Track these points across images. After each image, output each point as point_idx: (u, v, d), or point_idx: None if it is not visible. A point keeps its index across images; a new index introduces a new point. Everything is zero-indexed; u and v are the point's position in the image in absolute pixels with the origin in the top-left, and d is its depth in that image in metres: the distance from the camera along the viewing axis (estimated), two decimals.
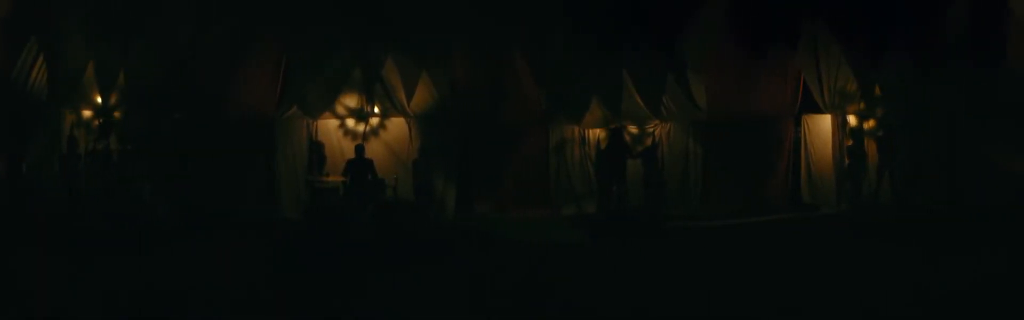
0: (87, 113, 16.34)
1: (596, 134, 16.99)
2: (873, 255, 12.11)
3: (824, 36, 16.56)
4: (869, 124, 16.70)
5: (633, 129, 16.98)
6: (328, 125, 16.61)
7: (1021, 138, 15.90)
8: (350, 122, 16.62)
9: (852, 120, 16.79)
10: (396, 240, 13.39)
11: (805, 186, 17.09)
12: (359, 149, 15.91)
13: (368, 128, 16.58)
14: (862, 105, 16.68)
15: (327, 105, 16.47)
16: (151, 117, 16.21)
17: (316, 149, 16.45)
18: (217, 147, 16.07)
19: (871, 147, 16.60)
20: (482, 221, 15.89)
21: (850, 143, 16.70)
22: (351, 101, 16.57)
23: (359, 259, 11.86)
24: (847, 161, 16.67)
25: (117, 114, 16.25)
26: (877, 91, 16.58)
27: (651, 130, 17.02)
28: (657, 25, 16.62)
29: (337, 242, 13.12)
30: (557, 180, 16.86)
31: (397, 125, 16.61)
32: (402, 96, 16.42)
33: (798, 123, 17.15)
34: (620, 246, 13.36)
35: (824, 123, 16.97)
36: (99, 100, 16.27)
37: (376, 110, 16.59)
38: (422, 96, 16.47)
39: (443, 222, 15.72)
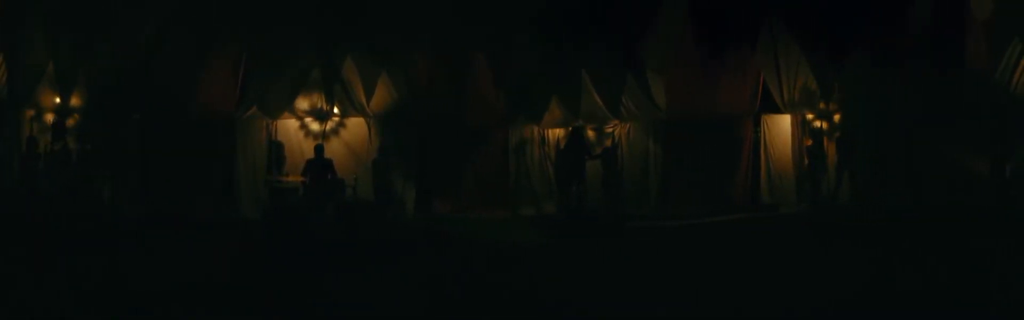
0: (47, 113, 16.34)
1: (556, 134, 17.03)
2: (831, 255, 12.10)
3: (783, 36, 16.50)
4: (828, 124, 16.72)
5: (593, 129, 17.01)
6: (288, 125, 16.67)
7: (980, 138, 15.88)
8: (310, 122, 16.65)
9: (812, 120, 16.80)
10: (356, 240, 13.46)
11: (765, 186, 17.05)
12: (318, 149, 15.94)
13: (327, 128, 16.61)
14: (822, 105, 16.67)
15: (287, 105, 16.49)
16: (111, 117, 16.21)
17: (276, 149, 16.48)
18: (177, 147, 16.08)
19: (830, 147, 16.61)
20: (441, 221, 15.92)
21: (809, 143, 16.69)
22: (311, 101, 16.59)
23: (318, 259, 11.88)
24: (806, 161, 16.68)
25: (77, 114, 16.28)
26: (836, 91, 16.55)
27: (611, 130, 17.05)
28: (617, 25, 16.58)
29: (297, 242, 13.19)
30: (517, 180, 16.89)
31: (357, 125, 16.66)
32: (362, 96, 16.45)
33: (758, 123, 17.09)
34: (579, 246, 13.36)
35: (784, 123, 16.95)
36: (59, 100, 16.28)
37: (336, 110, 16.63)
38: (382, 96, 16.50)
39: (402, 222, 15.75)
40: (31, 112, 16.25)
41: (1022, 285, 9.70)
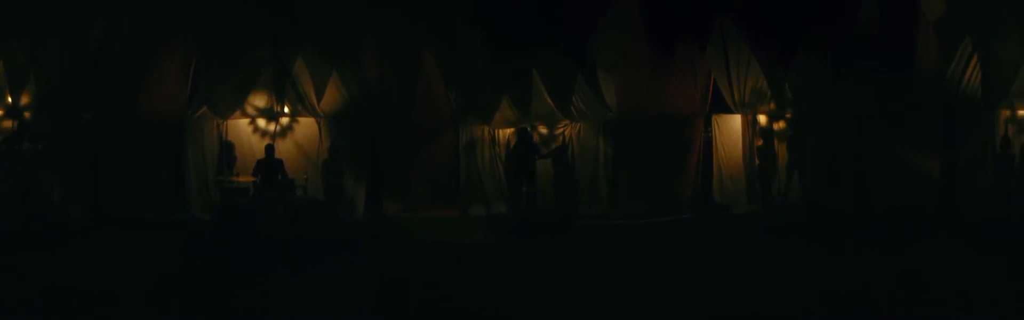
0: None
1: (506, 134, 16.96)
2: (779, 255, 12.20)
3: (734, 36, 16.49)
4: (779, 124, 16.72)
5: (544, 129, 16.98)
6: (238, 125, 16.61)
7: (930, 139, 15.91)
8: (260, 122, 16.62)
9: (762, 120, 16.80)
10: (305, 240, 13.46)
11: (716, 186, 17.05)
12: (269, 149, 15.90)
13: (278, 128, 16.60)
14: (772, 105, 16.67)
15: (237, 105, 16.44)
16: (61, 117, 16.15)
17: (226, 149, 16.46)
18: (127, 147, 16.05)
19: (781, 147, 16.62)
20: (392, 221, 15.93)
21: (760, 143, 16.72)
22: (261, 101, 16.56)
23: (268, 259, 11.90)
24: (757, 161, 16.70)
25: (27, 114, 16.22)
26: (787, 91, 16.55)
27: (561, 130, 17.01)
28: (567, 24, 16.60)
29: (246, 242, 13.19)
30: (467, 180, 16.81)
31: (307, 125, 16.60)
32: (312, 96, 16.39)
33: (709, 123, 17.11)
34: (529, 246, 13.38)
35: (734, 123, 16.96)
36: (9, 100, 16.23)
37: (286, 110, 16.59)
38: (332, 96, 16.43)
39: (352, 222, 15.75)
40: None
41: (964, 286, 9.72)
